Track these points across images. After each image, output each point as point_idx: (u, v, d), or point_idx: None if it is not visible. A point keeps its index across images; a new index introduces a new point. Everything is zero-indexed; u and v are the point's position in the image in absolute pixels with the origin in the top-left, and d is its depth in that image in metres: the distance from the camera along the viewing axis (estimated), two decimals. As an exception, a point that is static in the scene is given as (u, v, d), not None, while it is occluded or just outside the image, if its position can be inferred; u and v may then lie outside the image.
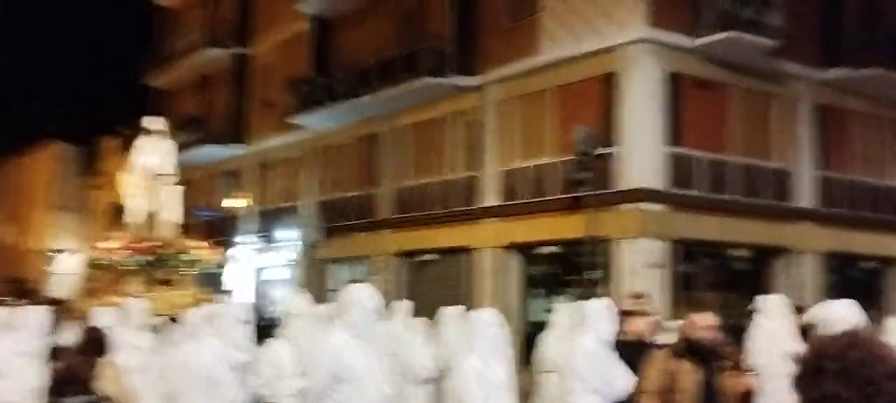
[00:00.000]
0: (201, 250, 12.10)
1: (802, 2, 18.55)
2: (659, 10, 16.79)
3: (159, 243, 11.60)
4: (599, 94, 17.44)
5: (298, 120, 24.34)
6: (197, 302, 10.12)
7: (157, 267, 11.58)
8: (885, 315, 10.61)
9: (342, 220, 23.88)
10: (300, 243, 24.82)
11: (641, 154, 16.68)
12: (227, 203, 28.12)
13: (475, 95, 20.17)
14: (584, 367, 5.89)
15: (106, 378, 5.65)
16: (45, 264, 43.01)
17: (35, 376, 6.06)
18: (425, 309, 12.20)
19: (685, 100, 17.30)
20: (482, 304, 18.40)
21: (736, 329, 9.63)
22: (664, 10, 16.86)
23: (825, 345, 2.10)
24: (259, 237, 27.45)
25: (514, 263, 19.14)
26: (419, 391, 10.37)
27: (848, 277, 18.90)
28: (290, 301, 6.31)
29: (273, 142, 27.18)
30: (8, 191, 50.31)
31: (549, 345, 8.31)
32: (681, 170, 17.11)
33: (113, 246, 11.21)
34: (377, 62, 21.63)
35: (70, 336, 8.08)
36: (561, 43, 18.07)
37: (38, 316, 7.65)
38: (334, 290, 24.32)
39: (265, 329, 20.77)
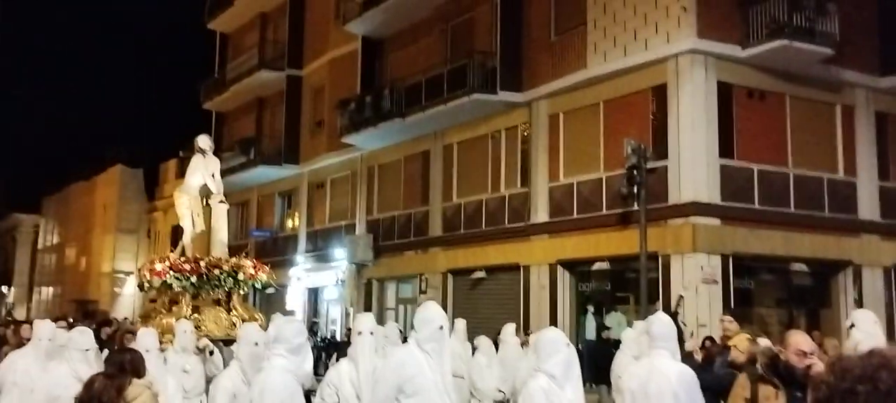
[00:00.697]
0: (254, 269, 11.98)
1: (857, 8, 17.97)
2: (708, 20, 16.46)
3: (210, 262, 11.54)
4: (649, 107, 17.16)
5: (349, 139, 24.50)
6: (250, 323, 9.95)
7: (208, 287, 11.49)
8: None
9: (392, 239, 23.92)
10: (351, 262, 24.91)
11: (693, 167, 16.32)
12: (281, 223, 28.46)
13: (523, 111, 20.03)
14: (668, 390, 5.52)
15: (139, 401, 5.63)
16: (109, 285, 44.09)
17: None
18: (476, 327, 12.09)
19: (738, 110, 16.89)
20: (534, 322, 18.22)
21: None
22: (713, 20, 16.51)
23: (854, 366, 1.93)
24: (311, 257, 27.66)
25: (566, 280, 18.87)
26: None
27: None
28: (356, 321, 6.24)
29: (325, 162, 27.41)
30: (74, 215, 51.80)
31: (624, 366, 7.83)
32: (735, 182, 16.68)
33: (163, 267, 11.23)
34: (426, 80, 21.66)
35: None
36: (608, 56, 17.83)
37: (88, 340, 7.69)
38: (388, 309, 24.43)
39: (323, 348, 20.79)
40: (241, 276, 11.55)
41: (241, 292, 11.84)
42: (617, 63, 17.62)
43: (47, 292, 55.92)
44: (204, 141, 12.52)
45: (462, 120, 21.24)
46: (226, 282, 11.39)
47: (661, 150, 16.59)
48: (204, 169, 12.28)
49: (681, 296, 15.79)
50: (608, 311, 18.27)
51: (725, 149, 16.61)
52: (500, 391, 10.99)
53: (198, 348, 9.09)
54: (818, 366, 4.76)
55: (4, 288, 61.52)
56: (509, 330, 11.98)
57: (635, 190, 16.01)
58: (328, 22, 27.78)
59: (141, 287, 11.54)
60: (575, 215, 18.43)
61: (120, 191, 44.72)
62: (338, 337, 24.27)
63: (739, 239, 16.52)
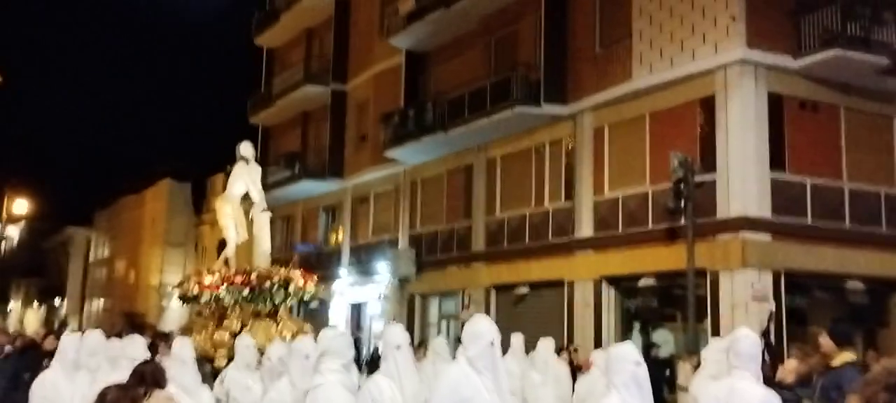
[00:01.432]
0: (303, 281, 11.63)
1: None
2: (758, 29, 16.01)
3: (261, 274, 11.27)
4: (696, 119, 16.74)
5: (391, 153, 24.42)
6: (299, 336, 9.59)
7: (259, 299, 11.19)
8: None
9: (435, 254, 23.73)
10: (393, 277, 24.76)
11: (742, 180, 15.85)
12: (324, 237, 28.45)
13: (568, 124, 19.72)
14: None
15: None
16: (156, 298, 44.64)
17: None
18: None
19: (790, 123, 16.39)
20: (578, 339, 17.84)
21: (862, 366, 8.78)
22: (763, 30, 16.05)
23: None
24: (354, 271, 27.60)
25: (611, 296, 18.46)
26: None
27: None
28: (390, 334, 5.96)
29: (368, 176, 27.37)
30: (124, 228, 52.68)
31: (701, 387, 7.32)
32: (787, 196, 16.16)
33: (214, 279, 10.99)
34: (469, 93, 21.48)
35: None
36: (654, 67, 17.46)
37: (139, 349, 7.56)
38: (430, 325, 24.21)
39: (367, 364, 20.66)
40: (291, 288, 11.24)
41: (289, 304, 11.53)
42: (663, 74, 17.24)
43: (98, 304, 56.89)
44: (246, 148, 12.23)
45: (505, 133, 21.00)
46: (277, 294, 11.09)
47: (709, 163, 16.15)
48: (246, 177, 12.03)
49: (771, 312, 15.14)
50: (654, 329, 17.82)
51: (776, 162, 16.11)
52: None
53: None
54: None
55: (58, 300, 62.77)
56: (547, 346, 11.64)
57: (682, 204, 15.57)
58: (373, 36, 27.81)
59: (183, 299, 11.34)
60: (620, 230, 18.04)
61: (168, 205, 45.33)
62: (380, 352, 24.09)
63: (791, 255, 15.97)
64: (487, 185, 22.16)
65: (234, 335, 9.72)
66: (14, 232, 63.86)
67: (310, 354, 6.40)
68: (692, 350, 13.77)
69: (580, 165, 19.24)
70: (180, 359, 8.36)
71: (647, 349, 17.57)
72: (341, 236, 29.17)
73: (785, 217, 16.01)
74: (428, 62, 25.09)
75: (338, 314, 27.71)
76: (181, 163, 45.83)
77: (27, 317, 62.90)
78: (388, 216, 26.41)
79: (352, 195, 28.68)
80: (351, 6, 29.92)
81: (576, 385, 11.01)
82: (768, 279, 15.65)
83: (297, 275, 11.26)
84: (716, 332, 14.73)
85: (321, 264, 29.09)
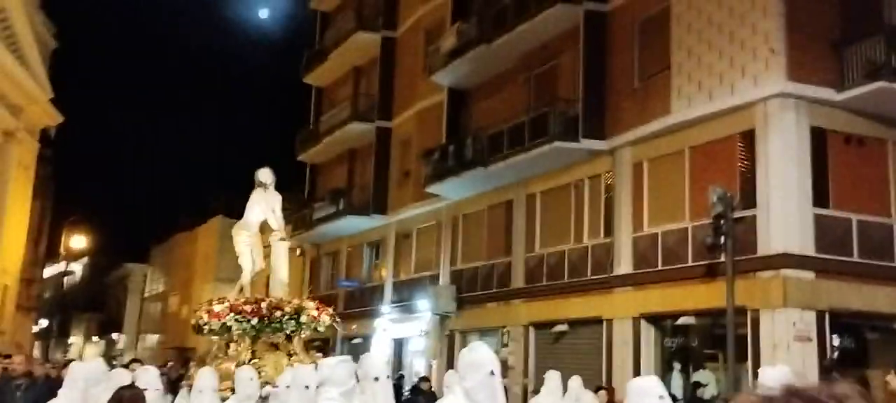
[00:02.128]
0: (317, 311, 11.42)
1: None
2: (799, 62, 15.64)
3: (272, 303, 11.14)
4: (737, 154, 16.38)
5: (432, 188, 24.42)
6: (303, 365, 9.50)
7: (268, 330, 11.07)
8: None
9: (475, 290, 23.56)
10: (434, 313, 24.63)
11: (784, 216, 15.40)
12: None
13: (606, 159, 19.49)
14: None
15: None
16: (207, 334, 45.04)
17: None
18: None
19: (833, 157, 15.92)
20: (616, 378, 17.43)
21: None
22: (805, 63, 15.68)
23: None
24: (397, 307, 27.54)
25: (650, 335, 18.04)
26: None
27: None
28: (368, 366, 5.87)
29: (411, 212, 27.40)
30: (177, 264, 53.58)
31: None
32: (831, 233, 15.64)
33: (222, 308, 10.90)
34: (508, 128, 21.41)
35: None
36: (693, 101, 17.17)
37: (152, 379, 7.57)
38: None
39: (409, 401, 20.49)
40: (303, 318, 11.07)
41: (302, 335, 11.31)
42: (702, 108, 16.94)
43: (152, 339, 57.78)
44: (265, 174, 11.92)
45: (544, 168, 20.84)
46: (287, 325, 10.93)
47: (750, 199, 15.75)
48: (264, 204, 11.81)
49: (832, 359, 14.62)
50: (696, 368, 17.32)
51: (820, 198, 15.64)
52: None
53: (261, 397, 8.71)
54: None
55: (116, 335, 63.99)
56: (579, 383, 11.41)
57: (722, 240, 15.17)
58: (416, 74, 28.02)
59: (196, 329, 11.27)
60: (659, 267, 17.67)
61: (220, 241, 45.88)
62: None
63: (836, 294, 15.42)
64: (527, 221, 21.98)
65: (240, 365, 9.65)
66: (77, 269, 65.76)
67: (310, 384, 6.33)
68: (734, 390, 13.35)
69: (619, 201, 18.95)
70: (198, 388, 8.37)
71: (693, 388, 17.09)
72: (384, 272, 29.19)
73: (829, 254, 15.48)
74: (469, 98, 25.14)
75: (380, 349, 27.64)
76: (233, 199, 46.52)
77: (86, 352, 64.16)
78: (430, 252, 26.36)
79: (395, 231, 28.72)
80: (397, 44, 30.25)
81: None
82: (811, 318, 15.12)
83: (310, 306, 11.09)
84: (757, 373, 14.24)
85: (365, 300, 29.17)
